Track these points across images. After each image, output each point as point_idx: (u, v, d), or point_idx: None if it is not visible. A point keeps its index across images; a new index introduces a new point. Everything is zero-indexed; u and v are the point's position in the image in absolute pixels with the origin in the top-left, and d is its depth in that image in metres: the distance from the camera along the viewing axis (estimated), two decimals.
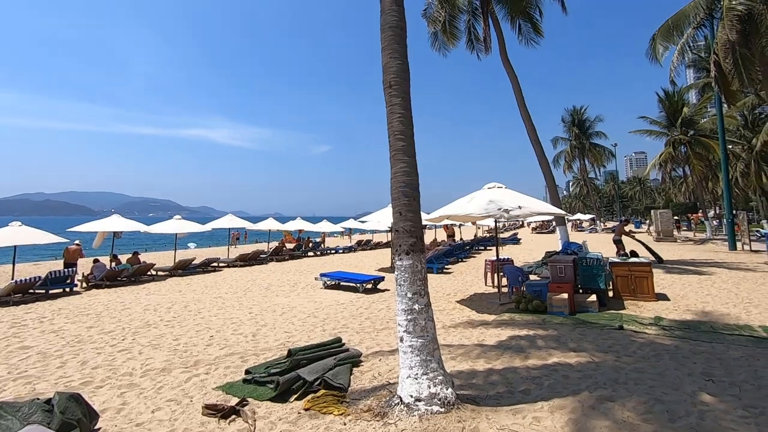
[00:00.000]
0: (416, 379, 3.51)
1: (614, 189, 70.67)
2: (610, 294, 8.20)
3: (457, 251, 17.01)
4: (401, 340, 3.69)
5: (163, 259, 19.19)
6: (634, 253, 9.79)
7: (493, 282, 10.21)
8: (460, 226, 26.65)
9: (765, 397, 3.64)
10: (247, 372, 4.44)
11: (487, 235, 29.94)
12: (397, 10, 4.24)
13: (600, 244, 19.33)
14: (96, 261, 12.50)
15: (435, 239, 25.13)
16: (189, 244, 31.68)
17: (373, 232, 33.98)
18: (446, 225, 21.78)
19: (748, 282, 9.61)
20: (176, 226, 16.47)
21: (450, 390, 3.51)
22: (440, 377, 3.54)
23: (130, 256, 14.67)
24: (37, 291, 10.16)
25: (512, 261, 11.68)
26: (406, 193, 3.92)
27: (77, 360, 5.26)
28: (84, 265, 13.96)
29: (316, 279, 11.48)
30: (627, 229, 14.26)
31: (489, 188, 8.19)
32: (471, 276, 12.31)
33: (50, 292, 10.47)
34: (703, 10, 13.83)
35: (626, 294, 8.00)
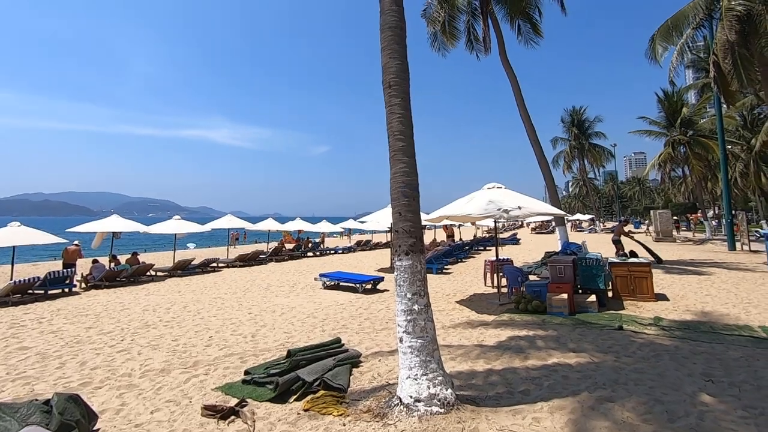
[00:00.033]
0: (416, 379, 3.50)
1: (613, 189, 70.72)
2: (610, 294, 8.19)
3: (456, 251, 17.01)
4: (401, 340, 3.69)
5: (162, 259, 19.17)
6: (633, 254, 9.80)
7: (492, 282, 10.20)
8: (459, 226, 26.66)
9: (765, 397, 3.64)
10: (247, 373, 4.43)
11: (487, 235, 29.94)
12: (397, 10, 4.24)
13: (599, 245, 19.35)
14: (95, 261, 12.48)
15: (434, 239, 25.13)
16: (188, 245, 31.66)
17: (373, 232, 33.98)
18: (446, 225, 21.80)
19: (747, 282, 9.62)
20: (175, 226, 16.46)
21: (450, 391, 3.51)
22: (440, 378, 3.54)
23: (129, 256, 14.66)
24: (36, 291, 10.14)
25: (512, 261, 11.68)
26: (405, 194, 3.92)
27: (76, 361, 5.25)
28: (83, 266, 13.95)
29: (315, 279, 11.47)
30: (626, 229, 14.26)
31: (488, 188, 8.18)
32: (470, 276, 12.31)
33: (49, 292, 10.46)
34: (703, 10, 13.84)
35: (626, 294, 8.00)
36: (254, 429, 3.35)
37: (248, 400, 3.85)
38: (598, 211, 57.27)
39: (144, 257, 17.34)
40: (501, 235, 28.87)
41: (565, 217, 15.17)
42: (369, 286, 10.27)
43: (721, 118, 19.18)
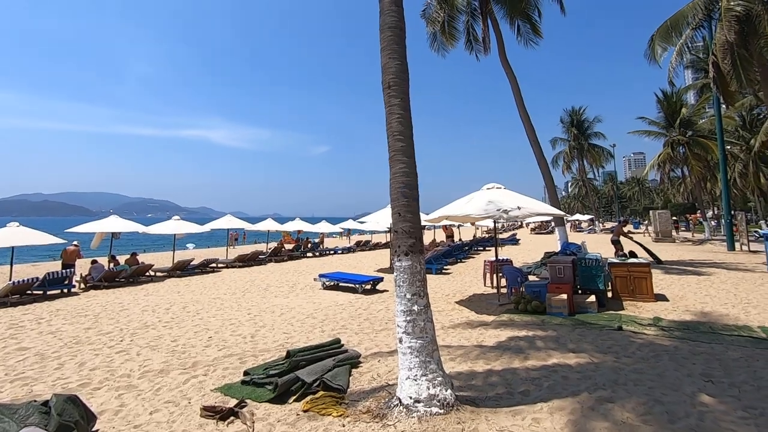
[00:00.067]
0: (415, 380, 3.50)
1: (613, 189, 70.81)
2: (609, 295, 8.19)
3: (456, 252, 17.01)
4: (400, 341, 3.68)
5: (161, 259, 19.15)
6: (633, 254, 9.80)
7: (492, 283, 10.20)
8: (459, 226, 26.66)
9: (764, 397, 3.64)
10: (246, 373, 4.43)
11: (486, 235, 29.96)
12: (396, 10, 4.24)
13: (599, 245, 19.36)
14: (94, 262, 12.46)
15: (434, 240, 25.14)
16: (187, 245, 31.62)
17: (372, 232, 33.97)
18: (445, 226, 21.80)
19: (746, 282, 9.62)
20: (175, 226, 16.45)
21: (449, 391, 3.50)
22: (439, 378, 3.53)
23: (128, 256, 14.63)
24: (34, 292, 10.12)
25: (511, 261, 11.67)
26: (405, 194, 3.91)
27: (75, 361, 5.24)
28: (82, 266, 13.93)
29: (315, 280, 11.47)
30: (625, 230, 14.27)
31: (488, 189, 8.19)
32: (470, 277, 12.31)
33: (48, 293, 10.44)
34: (702, 10, 13.88)
35: (625, 295, 8.00)
36: (253, 430, 3.34)
37: (247, 400, 3.84)
38: (598, 212, 57.33)
39: (143, 257, 17.31)
40: (500, 236, 28.88)
41: (565, 218, 15.18)
42: (368, 287, 10.26)
43: (721, 118, 19.21)
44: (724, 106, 19.62)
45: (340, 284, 10.64)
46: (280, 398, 3.88)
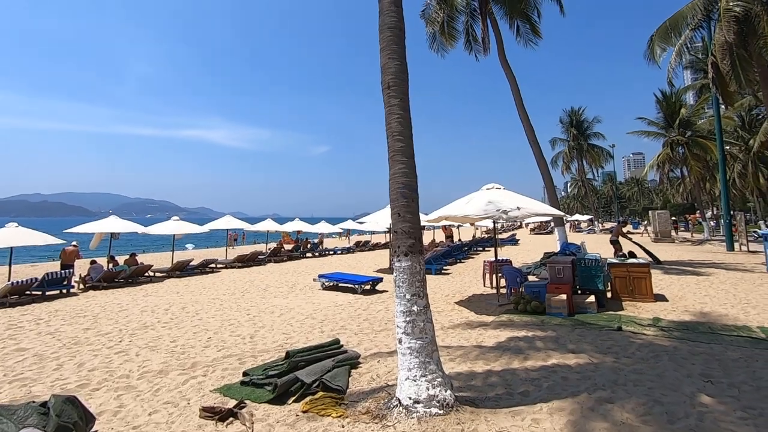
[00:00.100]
0: (415, 381, 3.49)
1: (612, 190, 70.84)
2: (609, 295, 8.20)
3: (455, 252, 17.01)
4: (400, 341, 3.68)
5: (160, 260, 19.13)
6: (632, 254, 9.81)
7: (491, 283, 10.20)
8: (458, 227, 26.67)
9: (764, 398, 3.64)
10: (245, 374, 4.42)
11: (486, 236, 29.96)
12: (396, 10, 4.24)
13: (598, 245, 19.38)
14: (93, 262, 12.44)
15: (433, 240, 25.14)
16: (187, 245, 31.58)
17: (372, 233, 33.97)
18: (445, 226, 21.80)
19: (746, 283, 9.63)
20: (174, 227, 16.43)
21: (449, 392, 3.50)
22: (439, 379, 3.53)
23: (127, 257, 14.62)
24: (33, 292, 10.11)
25: (511, 262, 11.68)
26: (404, 194, 3.91)
27: (74, 362, 5.22)
28: (81, 267, 13.91)
29: (314, 280, 11.46)
30: (624, 230, 14.28)
31: (487, 189, 8.19)
32: (469, 277, 12.31)
33: (47, 293, 10.42)
34: (701, 11, 13.89)
35: (624, 295, 8.01)
36: (253, 430, 3.34)
37: (247, 401, 3.84)
38: (597, 212, 57.35)
39: (142, 258, 17.30)
40: (500, 236, 28.89)
41: (564, 218, 15.20)
42: (368, 287, 10.26)
43: (720, 118, 19.24)
44: (723, 106, 19.67)
45: (340, 285, 10.63)
46: (279, 399, 3.87)
